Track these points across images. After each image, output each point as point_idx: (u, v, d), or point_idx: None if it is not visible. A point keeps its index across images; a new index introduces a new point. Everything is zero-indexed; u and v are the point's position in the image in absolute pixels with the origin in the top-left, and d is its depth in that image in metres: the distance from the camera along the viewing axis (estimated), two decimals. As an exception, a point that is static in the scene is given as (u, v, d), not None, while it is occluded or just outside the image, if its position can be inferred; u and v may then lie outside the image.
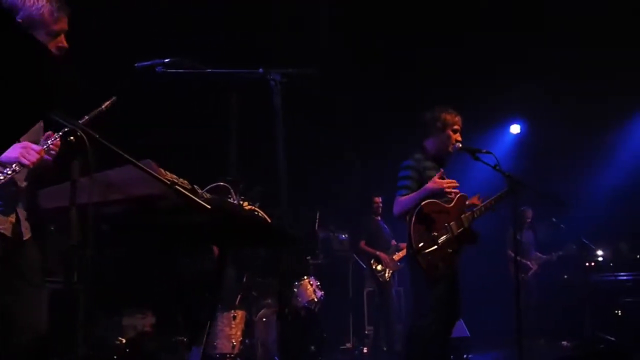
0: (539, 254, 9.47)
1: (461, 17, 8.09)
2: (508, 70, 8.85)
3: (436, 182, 4.48)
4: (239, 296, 6.34)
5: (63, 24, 2.96)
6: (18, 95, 1.61)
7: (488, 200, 4.77)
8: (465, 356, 7.29)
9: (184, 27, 6.39)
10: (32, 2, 2.83)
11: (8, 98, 1.58)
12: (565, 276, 9.74)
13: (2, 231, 2.89)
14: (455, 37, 8.27)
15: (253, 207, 2.88)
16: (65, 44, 2.98)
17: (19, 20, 2.79)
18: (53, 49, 2.91)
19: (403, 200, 4.53)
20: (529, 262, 9.24)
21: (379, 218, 8.45)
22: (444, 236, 4.52)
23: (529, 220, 9.40)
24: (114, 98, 3.03)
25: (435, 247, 4.46)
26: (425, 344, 4.39)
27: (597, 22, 7.95)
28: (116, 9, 5.34)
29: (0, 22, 1.48)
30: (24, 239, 3.02)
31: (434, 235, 4.50)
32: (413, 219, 4.49)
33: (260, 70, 3.13)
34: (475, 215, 4.67)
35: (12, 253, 2.94)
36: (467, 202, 4.72)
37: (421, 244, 4.44)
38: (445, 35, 8.20)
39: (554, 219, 9.41)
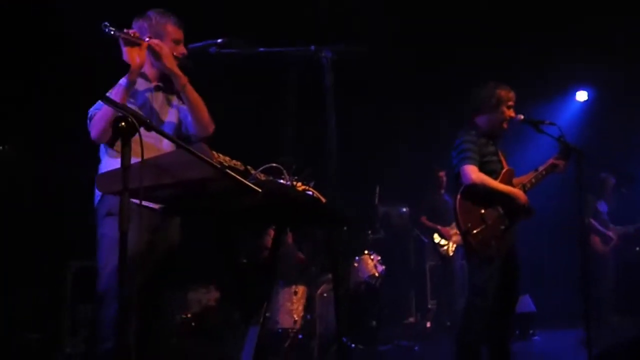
0: (614, 226, 8.92)
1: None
2: (573, 33, 8.47)
3: (524, 197, 4.44)
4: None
5: (181, 35, 3.48)
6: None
7: (539, 171, 4.61)
8: (531, 331, 7.17)
9: (232, 6, 6.36)
10: (157, 21, 3.44)
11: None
12: (638, 249, 9.35)
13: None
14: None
15: (307, 187, 2.85)
16: (184, 50, 3.44)
17: (149, 35, 3.35)
18: (176, 54, 3.40)
19: (482, 176, 4.35)
20: (610, 233, 8.67)
21: (443, 191, 8.33)
22: (493, 213, 4.40)
23: (610, 189, 8.74)
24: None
25: (484, 225, 4.34)
26: (480, 322, 4.31)
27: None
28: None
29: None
30: None
31: (482, 212, 4.37)
32: (459, 197, 4.37)
33: (312, 47, 3.10)
34: (527, 188, 4.52)
35: None
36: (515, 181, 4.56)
37: (469, 224, 4.31)
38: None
39: (623, 190, 8.99)
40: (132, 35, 3.21)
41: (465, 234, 4.32)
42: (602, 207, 8.73)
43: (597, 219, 8.56)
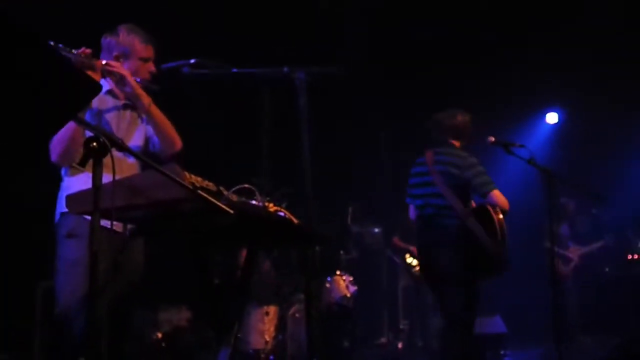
0: (576, 247, 9.06)
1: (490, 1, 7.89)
2: (543, 55, 8.60)
3: None
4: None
5: (150, 52, 3.37)
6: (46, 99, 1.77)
7: None
8: (502, 352, 7.20)
9: (207, 26, 6.37)
10: (124, 38, 3.32)
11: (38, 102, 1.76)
12: (607, 269, 9.47)
13: None
14: (487, 22, 8.07)
15: (279, 208, 2.85)
16: (154, 69, 3.37)
17: (115, 53, 3.28)
18: (145, 73, 3.33)
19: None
20: (570, 254, 8.87)
21: (415, 212, 8.34)
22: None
23: (571, 213, 9.01)
24: None
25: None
26: (464, 340, 4.36)
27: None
28: (138, 10, 5.35)
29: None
30: None
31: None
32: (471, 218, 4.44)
33: (285, 69, 3.11)
34: None
35: None
36: None
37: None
38: (475, 22, 8.01)
39: (594, 211, 9.12)
40: (82, 56, 3.02)
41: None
42: (564, 230, 8.84)
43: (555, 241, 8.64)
